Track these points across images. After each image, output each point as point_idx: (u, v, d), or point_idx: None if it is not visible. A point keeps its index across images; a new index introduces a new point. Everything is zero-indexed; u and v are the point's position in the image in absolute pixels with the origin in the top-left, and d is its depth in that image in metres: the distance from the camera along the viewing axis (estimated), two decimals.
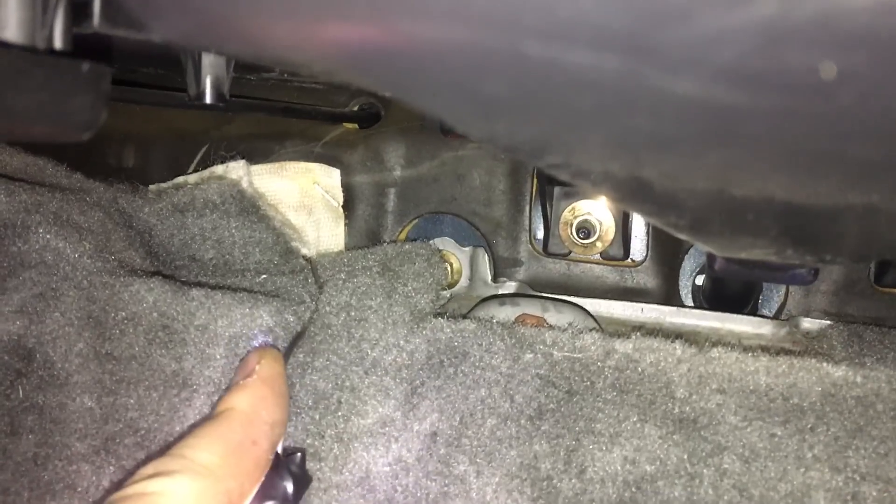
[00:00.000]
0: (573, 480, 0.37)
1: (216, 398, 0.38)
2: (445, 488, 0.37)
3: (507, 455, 0.38)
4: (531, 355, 0.40)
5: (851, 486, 0.36)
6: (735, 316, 0.47)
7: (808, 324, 0.47)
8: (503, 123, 0.22)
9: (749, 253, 0.32)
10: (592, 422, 0.38)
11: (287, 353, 0.40)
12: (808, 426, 0.37)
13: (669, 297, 0.51)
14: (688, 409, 0.38)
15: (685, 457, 0.36)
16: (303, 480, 0.36)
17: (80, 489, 0.37)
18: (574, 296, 0.49)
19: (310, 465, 0.39)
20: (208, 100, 0.41)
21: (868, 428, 0.36)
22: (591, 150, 0.23)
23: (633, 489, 0.36)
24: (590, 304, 0.48)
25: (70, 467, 0.38)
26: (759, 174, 0.23)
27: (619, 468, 0.37)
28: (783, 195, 0.25)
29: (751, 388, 0.38)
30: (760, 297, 0.50)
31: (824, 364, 0.38)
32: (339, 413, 0.39)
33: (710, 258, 0.38)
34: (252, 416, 0.35)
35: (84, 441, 0.38)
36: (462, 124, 0.23)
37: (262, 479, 0.34)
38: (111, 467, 0.38)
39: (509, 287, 0.51)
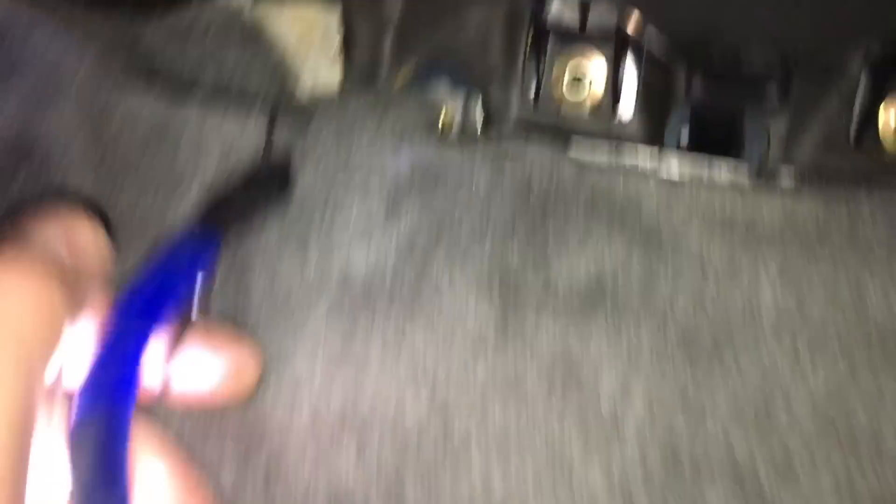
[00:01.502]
0: (539, 284, 0.39)
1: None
2: (420, 289, 0.40)
3: (480, 262, 0.40)
4: (509, 180, 0.41)
5: (799, 297, 0.38)
6: (718, 160, 0.48)
7: (785, 172, 0.49)
8: None
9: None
10: (562, 235, 0.40)
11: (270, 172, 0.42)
12: (765, 245, 0.39)
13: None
14: (653, 225, 0.40)
15: (645, 263, 0.38)
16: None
17: None
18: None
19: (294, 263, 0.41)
20: None
21: (821, 249, 0.38)
22: None
23: (594, 292, 0.38)
24: (581, 148, 0.50)
25: None
26: None
27: (582, 274, 0.39)
28: None
29: (716, 213, 0.40)
30: (742, 148, 0.51)
31: (787, 199, 0.40)
32: (323, 221, 0.41)
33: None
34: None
35: None
36: None
37: None
38: None
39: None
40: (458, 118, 0.54)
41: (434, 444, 0.37)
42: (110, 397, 0.30)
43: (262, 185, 0.40)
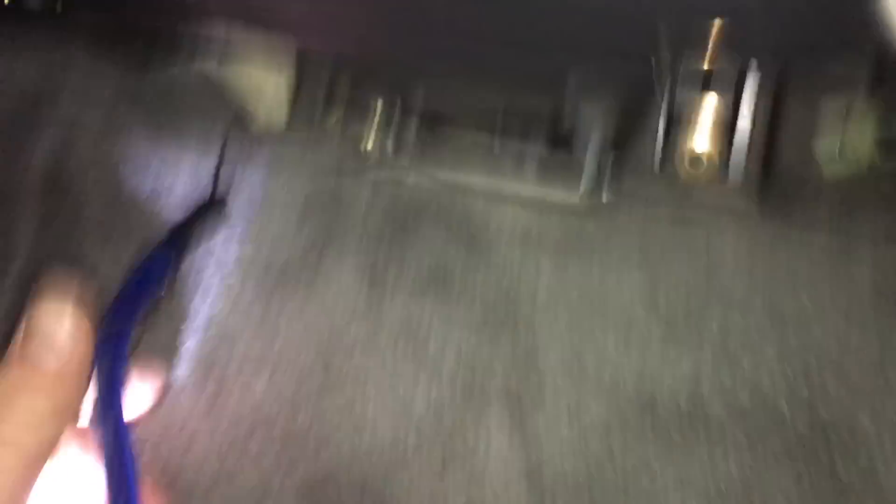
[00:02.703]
0: (395, 274, 0.59)
1: (178, 211, 0.60)
2: (316, 276, 0.60)
3: (357, 259, 0.59)
4: (382, 201, 0.61)
5: (563, 288, 0.57)
6: (552, 190, 0.67)
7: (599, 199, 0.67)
8: None
9: None
10: (414, 242, 0.59)
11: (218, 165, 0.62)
12: (547, 252, 0.58)
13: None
14: (476, 236, 0.59)
15: (466, 263, 0.58)
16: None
17: (89, 261, 0.60)
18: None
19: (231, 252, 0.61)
20: None
21: (586, 255, 0.57)
22: None
23: (430, 282, 0.58)
24: (454, 174, 0.69)
25: (83, 249, 0.60)
26: None
27: (424, 269, 0.59)
28: None
29: (519, 226, 0.59)
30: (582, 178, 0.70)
31: (572, 216, 0.59)
32: (255, 225, 0.61)
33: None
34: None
35: (94, 234, 0.61)
36: None
37: None
38: (110, 251, 0.60)
39: None
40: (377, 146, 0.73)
41: (317, 379, 0.58)
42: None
43: (205, 213, 0.59)
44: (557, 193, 0.67)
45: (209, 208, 0.59)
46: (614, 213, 0.60)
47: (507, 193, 0.66)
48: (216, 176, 0.61)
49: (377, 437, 0.57)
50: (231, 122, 0.68)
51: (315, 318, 0.59)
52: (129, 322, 0.49)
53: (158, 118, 0.67)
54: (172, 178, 0.61)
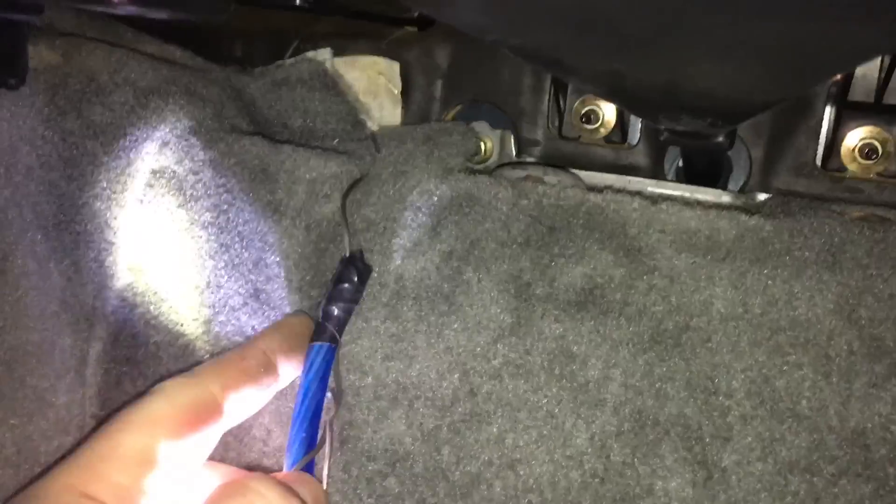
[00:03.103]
0: (545, 286, 0.51)
1: (298, 220, 0.54)
2: (455, 288, 0.52)
3: (501, 268, 0.52)
4: (526, 201, 0.54)
5: (744, 299, 0.49)
6: (702, 188, 0.60)
7: (762, 197, 0.60)
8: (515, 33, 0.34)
9: (668, 123, 0.45)
10: (564, 248, 0.52)
11: (347, 193, 0.55)
12: (721, 257, 0.50)
13: (655, 173, 0.64)
14: (635, 242, 0.51)
15: (627, 273, 0.50)
16: (365, 270, 0.51)
17: (202, 274, 0.54)
18: (580, 169, 0.62)
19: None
20: (298, 2, 0.55)
21: (765, 260, 0.49)
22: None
23: (587, 294, 0.51)
24: (590, 175, 0.62)
25: (197, 260, 0.54)
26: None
27: (578, 280, 0.51)
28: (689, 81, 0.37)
29: (683, 229, 0.51)
30: (730, 176, 0.62)
31: (743, 215, 0.51)
32: (384, 235, 0.54)
33: (659, 131, 0.51)
34: (252, 344, 0.47)
35: (208, 243, 0.54)
36: (481, 34, 0.35)
37: (255, 383, 0.46)
38: (224, 262, 0.54)
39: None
40: (496, 149, 0.66)
41: (462, 408, 0.50)
42: None
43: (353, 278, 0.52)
44: (710, 191, 0.59)
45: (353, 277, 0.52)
46: (793, 213, 0.52)
47: (660, 193, 0.59)
48: (344, 218, 0.54)
49: (534, 474, 0.49)
50: (345, 118, 0.62)
51: (456, 337, 0.51)
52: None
53: (267, 116, 0.61)
54: (290, 183, 0.55)
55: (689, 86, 0.38)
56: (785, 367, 0.48)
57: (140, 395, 0.42)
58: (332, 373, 0.49)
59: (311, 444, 0.45)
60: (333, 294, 0.50)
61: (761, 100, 0.40)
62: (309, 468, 0.45)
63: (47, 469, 0.39)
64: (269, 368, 0.47)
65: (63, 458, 0.39)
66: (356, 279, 0.51)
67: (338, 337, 0.49)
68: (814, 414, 0.47)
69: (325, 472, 0.47)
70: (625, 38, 0.30)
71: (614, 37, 0.30)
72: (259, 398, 0.46)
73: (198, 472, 0.43)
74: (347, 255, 0.52)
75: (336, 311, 0.50)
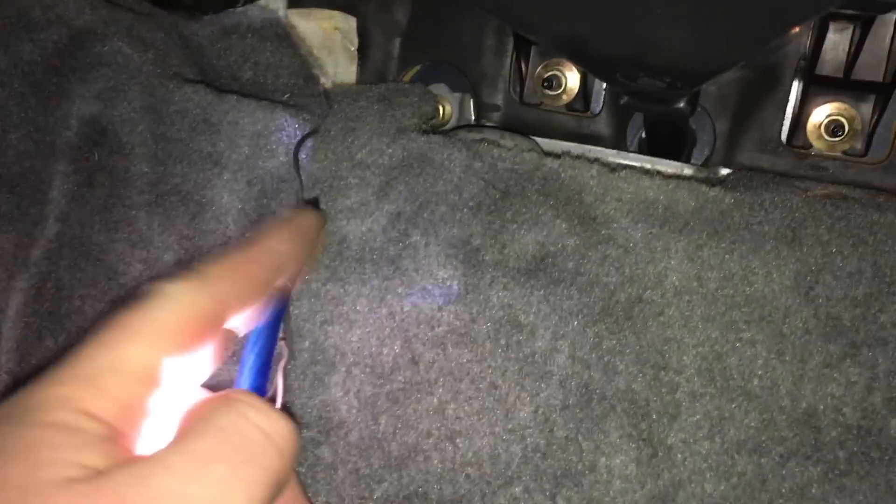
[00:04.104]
0: (495, 253, 0.49)
1: (239, 174, 0.51)
2: (401, 251, 0.50)
3: (450, 232, 0.50)
4: (480, 164, 0.51)
5: (699, 273, 0.47)
6: (664, 160, 0.58)
7: (724, 172, 0.58)
8: None
9: (626, 82, 0.43)
10: (517, 214, 0.50)
11: (299, 145, 0.52)
12: (678, 228, 0.48)
13: (618, 144, 0.62)
14: (590, 210, 0.49)
15: (580, 243, 0.48)
16: None
17: (135, 227, 0.51)
18: (540, 137, 0.60)
19: None
20: None
21: (723, 233, 0.48)
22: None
23: (538, 262, 0.48)
24: (551, 143, 0.60)
25: (130, 212, 0.51)
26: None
27: (530, 247, 0.49)
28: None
29: (641, 199, 0.49)
30: (693, 150, 0.61)
31: (703, 186, 0.49)
32: (329, 194, 0.52)
33: (619, 95, 0.48)
34: (263, 245, 0.40)
35: (141, 195, 0.51)
36: None
37: (261, 297, 0.40)
38: (159, 216, 0.51)
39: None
40: (454, 113, 0.64)
41: (402, 376, 0.48)
42: None
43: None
44: (671, 164, 0.57)
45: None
46: (754, 188, 0.51)
47: (619, 162, 0.57)
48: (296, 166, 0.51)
49: (474, 447, 0.47)
50: (297, 72, 0.59)
51: (399, 302, 0.49)
52: None
53: (215, 67, 0.58)
54: (233, 135, 0.52)
55: (643, 45, 0.36)
56: (738, 344, 0.46)
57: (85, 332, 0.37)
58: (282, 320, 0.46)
59: (260, 395, 0.42)
60: None
61: (712, 62, 0.38)
62: None
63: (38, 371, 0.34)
64: (280, 276, 0.41)
65: (56, 361, 0.34)
66: None
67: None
68: (765, 393, 0.45)
69: None
70: None
71: None
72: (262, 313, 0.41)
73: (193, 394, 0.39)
74: (303, 203, 0.49)
75: None
